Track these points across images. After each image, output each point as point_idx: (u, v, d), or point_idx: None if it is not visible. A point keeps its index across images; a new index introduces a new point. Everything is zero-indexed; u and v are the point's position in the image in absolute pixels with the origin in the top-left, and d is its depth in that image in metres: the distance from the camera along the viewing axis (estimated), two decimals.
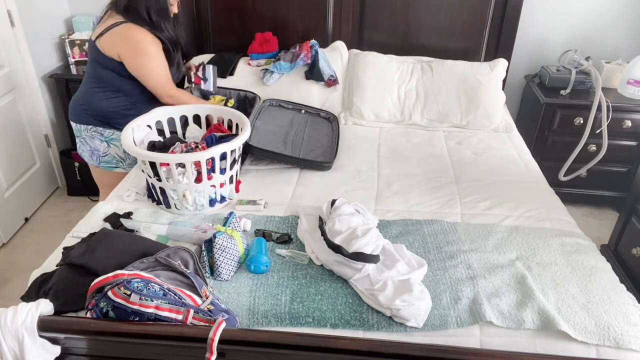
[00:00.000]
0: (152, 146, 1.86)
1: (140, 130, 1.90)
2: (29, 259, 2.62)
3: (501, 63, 2.68)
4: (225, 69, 2.73)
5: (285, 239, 1.69)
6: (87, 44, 2.94)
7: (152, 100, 2.13)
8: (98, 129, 2.12)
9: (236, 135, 1.86)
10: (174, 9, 2.09)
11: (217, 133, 1.94)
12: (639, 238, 2.27)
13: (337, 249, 1.49)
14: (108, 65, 2.04)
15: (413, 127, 2.65)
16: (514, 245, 1.67)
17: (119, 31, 1.97)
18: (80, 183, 3.08)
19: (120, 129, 2.07)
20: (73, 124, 2.16)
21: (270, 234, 1.70)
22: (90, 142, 2.15)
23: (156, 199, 1.85)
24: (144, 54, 1.99)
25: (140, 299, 1.17)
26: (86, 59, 3.01)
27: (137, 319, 1.17)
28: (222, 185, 1.84)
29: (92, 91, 2.09)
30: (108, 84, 2.08)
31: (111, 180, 2.19)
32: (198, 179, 1.75)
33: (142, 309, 1.17)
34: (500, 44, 2.87)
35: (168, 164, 1.72)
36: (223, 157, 1.77)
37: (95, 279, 1.25)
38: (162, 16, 2.01)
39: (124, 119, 2.05)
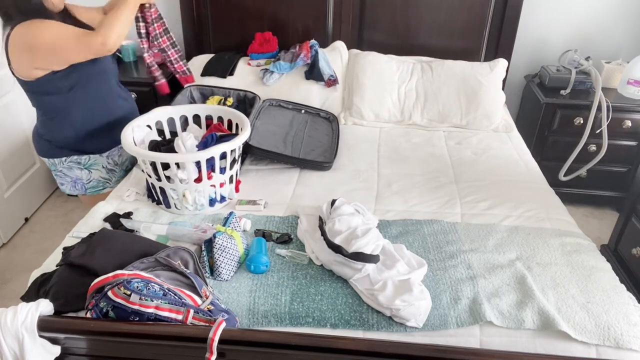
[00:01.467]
0: (156, 146, 1.85)
1: (140, 130, 1.90)
2: (29, 259, 2.62)
3: (501, 63, 2.68)
4: (225, 69, 2.74)
5: (285, 239, 1.69)
6: None
7: (107, 98, 1.92)
8: (74, 158, 1.94)
9: (236, 135, 1.86)
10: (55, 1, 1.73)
11: (217, 133, 1.94)
12: (639, 238, 2.27)
13: (337, 249, 1.49)
14: (35, 88, 1.77)
15: (413, 127, 2.65)
16: (514, 245, 1.67)
17: (10, 44, 1.67)
18: None
19: (95, 152, 1.98)
20: (45, 160, 1.98)
21: (270, 234, 1.70)
22: (70, 173, 1.99)
23: (156, 199, 1.86)
24: (38, 41, 1.65)
25: (140, 299, 1.17)
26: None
27: (137, 319, 1.17)
28: (222, 185, 1.84)
29: (47, 124, 1.88)
30: (53, 110, 1.85)
31: (103, 199, 2.01)
32: (198, 179, 1.75)
33: (142, 309, 1.17)
34: (500, 44, 2.87)
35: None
36: (223, 156, 1.77)
37: (95, 279, 1.25)
38: (41, 12, 1.68)
39: (93, 140, 1.93)
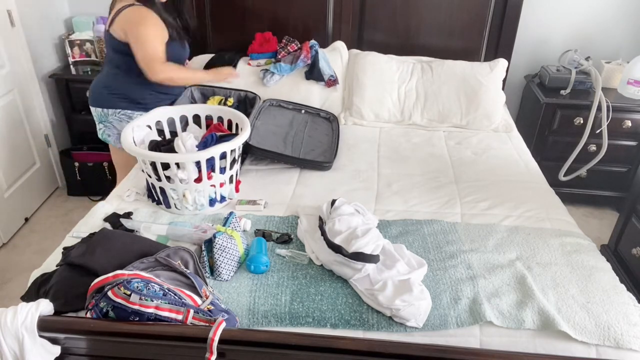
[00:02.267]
0: (156, 146, 1.85)
1: (140, 130, 1.90)
2: (29, 259, 2.62)
3: (501, 63, 2.68)
4: None
5: (285, 239, 1.69)
6: (87, 43, 2.96)
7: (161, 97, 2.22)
8: (127, 112, 2.17)
9: (236, 135, 1.86)
10: None
11: (217, 133, 1.94)
12: (639, 238, 2.27)
13: (337, 249, 1.49)
14: (122, 49, 2.07)
15: (413, 127, 2.65)
16: (514, 245, 1.67)
17: (127, 12, 2.02)
18: (80, 183, 3.08)
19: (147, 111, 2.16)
20: (97, 109, 2.19)
21: (270, 234, 1.70)
22: (118, 125, 2.18)
23: (156, 199, 1.86)
24: (142, 28, 2.01)
25: (140, 299, 1.17)
26: (86, 59, 3.04)
27: (137, 319, 1.17)
28: (222, 185, 1.84)
29: (114, 76, 2.15)
30: (126, 68, 2.12)
31: (130, 161, 2.22)
32: (198, 178, 1.75)
33: (142, 309, 1.17)
34: (500, 44, 2.87)
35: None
36: (223, 156, 1.77)
37: (95, 279, 1.25)
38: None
39: (150, 100, 2.17)
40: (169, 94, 2.27)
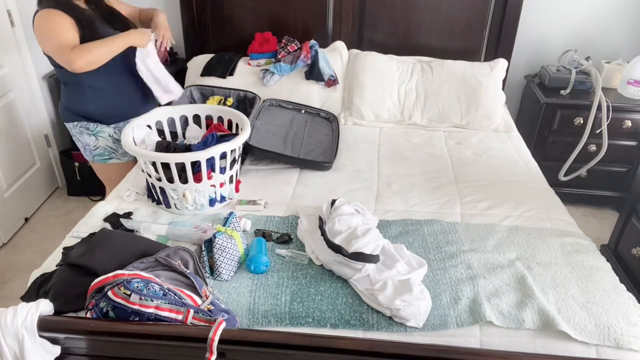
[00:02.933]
0: (166, 147, 1.85)
1: (140, 130, 1.90)
2: (29, 259, 2.62)
3: (501, 63, 2.68)
4: (225, 69, 2.73)
5: (285, 239, 1.69)
6: None
7: (115, 81, 2.04)
8: (83, 124, 2.08)
9: (236, 135, 1.86)
10: None
11: (217, 133, 1.94)
12: (639, 238, 2.26)
13: (337, 249, 1.49)
14: (54, 62, 1.95)
15: (413, 127, 2.65)
16: (514, 245, 1.67)
17: (33, 26, 1.87)
18: (80, 183, 3.08)
19: (103, 122, 2.10)
20: (65, 124, 2.15)
21: (270, 234, 1.70)
22: (81, 137, 2.13)
23: (156, 199, 1.86)
24: (43, 30, 1.84)
25: (140, 299, 1.17)
26: None
27: (137, 319, 1.17)
28: (222, 185, 1.84)
29: (64, 90, 2.08)
30: (67, 80, 2.03)
31: (111, 174, 2.19)
32: (198, 179, 1.75)
33: (142, 309, 1.17)
34: (500, 44, 2.87)
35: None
36: (223, 156, 1.77)
37: (95, 279, 1.25)
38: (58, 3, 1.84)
39: (99, 111, 2.06)
40: (126, 108, 2.10)
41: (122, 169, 2.17)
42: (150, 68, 2.05)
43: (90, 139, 2.12)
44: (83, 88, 2.01)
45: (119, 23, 2.06)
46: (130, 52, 1.99)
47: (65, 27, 1.84)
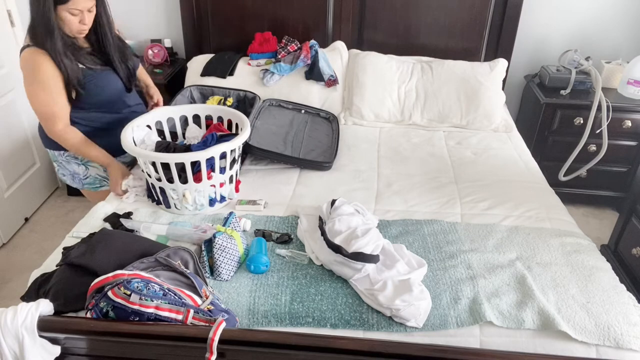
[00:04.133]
0: (166, 148, 1.84)
1: (140, 130, 1.90)
2: (29, 259, 2.62)
3: (501, 63, 2.68)
4: (225, 69, 2.74)
5: (285, 239, 1.69)
6: None
7: (107, 120, 1.97)
8: (71, 153, 1.98)
9: (236, 135, 1.86)
10: (74, 27, 1.74)
11: (217, 133, 1.94)
12: (639, 238, 2.26)
13: (337, 249, 1.49)
14: None
15: (413, 127, 2.65)
16: (514, 245, 1.67)
17: (20, 60, 1.76)
18: None
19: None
20: (48, 150, 2.03)
21: (270, 234, 1.70)
22: (68, 166, 2.03)
23: (156, 199, 1.86)
24: (31, 80, 1.74)
25: (140, 299, 1.17)
26: None
27: (137, 319, 1.17)
28: (222, 185, 1.84)
29: None
30: None
31: (102, 198, 2.04)
32: (197, 179, 1.75)
33: (142, 309, 1.17)
34: (500, 44, 2.88)
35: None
36: (223, 156, 1.77)
37: (95, 279, 1.25)
38: (48, 35, 1.69)
39: (90, 139, 1.92)
40: (116, 143, 1.86)
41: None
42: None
43: (79, 169, 2.03)
44: (72, 121, 1.89)
45: (129, 62, 1.97)
46: (122, 93, 1.97)
47: (54, 90, 1.74)
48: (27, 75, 1.75)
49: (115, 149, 1.93)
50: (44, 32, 1.69)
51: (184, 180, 1.75)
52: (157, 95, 2.20)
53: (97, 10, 1.79)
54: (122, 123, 1.92)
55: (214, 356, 1.11)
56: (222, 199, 1.88)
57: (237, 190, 1.96)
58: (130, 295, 1.17)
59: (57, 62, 1.72)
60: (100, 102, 1.91)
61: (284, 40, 2.82)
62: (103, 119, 1.96)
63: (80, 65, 1.81)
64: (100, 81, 1.87)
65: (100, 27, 1.84)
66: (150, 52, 2.96)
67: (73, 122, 1.89)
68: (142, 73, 2.17)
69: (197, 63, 2.82)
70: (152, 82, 2.23)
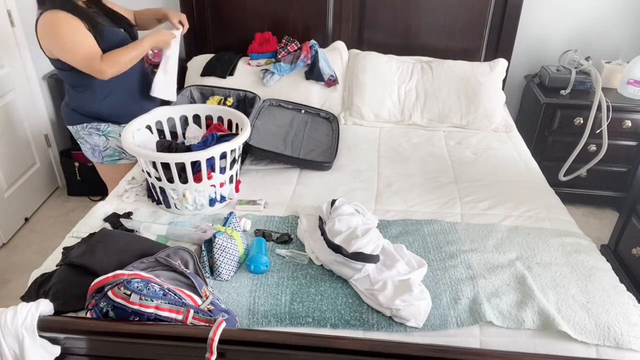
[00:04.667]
0: (167, 147, 1.85)
1: (141, 134, 1.90)
2: (29, 259, 2.62)
3: (501, 63, 2.68)
4: (225, 69, 2.74)
5: (285, 239, 1.69)
6: None
7: (126, 80, 2.06)
8: (94, 124, 2.08)
9: (236, 135, 1.86)
10: None
11: (217, 133, 1.94)
12: (639, 238, 2.26)
13: (337, 249, 1.49)
14: (59, 65, 1.95)
15: (413, 127, 2.65)
16: (514, 245, 1.67)
17: (39, 28, 1.85)
18: (80, 183, 3.08)
19: (114, 122, 2.10)
20: (70, 128, 2.13)
21: (270, 234, 1.70)
22: (89, 139, 2.12)
23: (156, 199, 1.86)
24: (57, 37, 1.84)
25: (140, 299, 1.17)
26: None
27: (137, 319, 1.17)
28: (222, 184, 1.84)
29: (71, 93, 2.06)
30: (77, 83, 2.01)
31: (119, 174, 2.16)
32: (197, 179, 1.75)
33: (142, 309, 1.17)
34: (500, 44, 2.87)
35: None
36: (223, 156, 1.77)
37: (95, 279, 1.25)
38: (65, 4, 1.83)
39: (111, 111, 2.06)
40: (134, 108, 2.08)
41: (129, 169, 2.17)
42: (169, 60, 2.10)
43: (100, 140, 2.12)
44: (94, 89, 2.01)
45: (124, 22, 2.07)
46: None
47: (82, 33, 1.85)
48: (52, 35, 1.84)
49: (121, 115, 2.08)
50: (64, 1, 1.82)
51: (184, 180, 1.75)
52: (174, 16, 2.17)
53: None
54: (132, 88, 2.09)
55: (214, 356, 1.11)
56: (222, 199, 1.88)
57: (237, 190, 1.96)
58: (130, 295, 1.17)
59: (74, 12, 1.84)
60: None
61: (284, 40, 2.82)
62: (112, 84, 2.02)
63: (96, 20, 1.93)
64: (111, 36, 1.97)
65: None
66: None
67: (85, 82, 1.98)
68: (141, 14, 2.25)
69: (197, 63, 2.82)
70: (155, 8, 2.28)
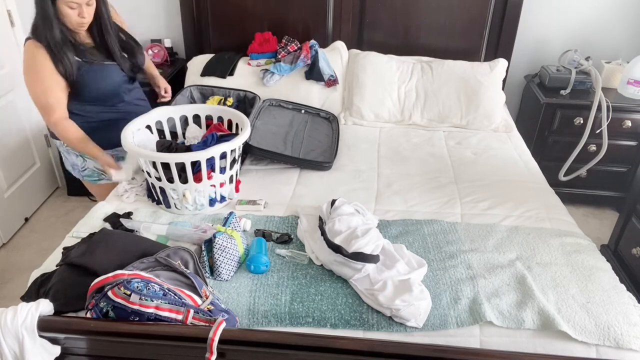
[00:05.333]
0: (167, 147, 1.84)
1: (141, 135, 1.90)
2: (29, 259, 2.62)
3: (501, 63, 2.68)
4: (225, 69, 2.74)
5: (285, 239, 1.69)
6: None
7: (109, 115, 1.99)
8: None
9: (236, 135, 1.86)
10: (74, 20, 1.77)
11: (217, 132, 1.94)
12: (639, 238, 2.26)
13: (337, 249, 1.49)
14: None
15: (413, 127, 2.65)
16: (514, 245, 1.67)
17: (23, 49, 1.81)
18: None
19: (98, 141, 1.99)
20: (52, 140, 2.10)
21: (270, 234, 1.70)
22: (68, 156, 2.08)
23: (156, 199, 1.86)
24: (28, 73, 1.80)
25: (140, 299, 1.17)
26: None
27: (137, 319, 1.17)
28: (222, 184, 1.84)
29: None
30: None
31: (103, 192, 2.09)
32: (198, 179, 1.75)
33: (142, 309, 1.17)
34: (500, 44, 2.87)
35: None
36: (223, 156, 1.77)
37: (95, 279, 1.25)
38: (46, 27, 1.74)
39: (90, 136, 1.93)
40: (114, 139, 1.88)
41: (112, 188, 2.06)
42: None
43: (77, 160, 2.07)
44: (74, 115, 1.93)
45: (131, 55, 2.00)
46: (120, 88, 1.98)
47: (50, 80, 1.78)
48: (26, 66, 1.80)
49: (110, 144, 1.98)
50: (42, 24, 1.75)
51: (184, 180, 1.75)
52: (163, 84, 2.23)
53: (96, 4, 1.83)
54: (117, 119, 1.96)
55: (214, 356, 1.11)
56: (222, 199, 1.88)
57: (237, 190, 1.96)
58: (130, 295, 1.17)
59: (52, 54, 1.77)
60: (96, 95, 1.93)
61: (284, 40, 2.82)
62: (99, 113, 1.98)
63: (77, 58, 1.84)
64: (97, 74, 1.89)
65: (101, 20, 1.88)
66: (150, 52, 2.96)
67: (71, 114, 1.92)
68: (149, 66, 2.21)
69: (197, 63, 2.82)
70: (158, 73, 2.26)
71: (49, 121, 1.87)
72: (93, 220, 1.75)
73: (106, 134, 1.97)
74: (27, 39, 1.80)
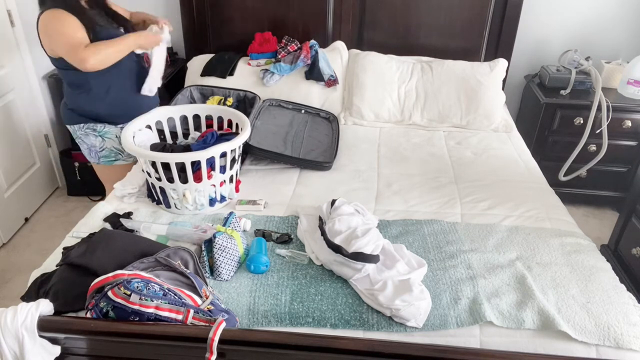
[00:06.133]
0: (162, 148, 1.85)
1: (142, 135, 1.90)
2: (29, 259, 2.62)
3: (501, 63, 2.68)
4: (225, 69, 2.74)
5: (285, 239, 1.69)
6: None
7: (123, 80, 2.06)
8: (90, 125, 2.09)
9: (236, 134, 1.86)
10: None
11: (218, 131, 1.94)
12: (639, 238, 2.26)
13: (337, 249, 1.49)
14: (59, 64, 1.98)
15: (413, 127, 2.65)
16: (514, 245, 1.67)
17: (39, 26, 1.89)
18: (80, 183, 3.08)
19: (111, 122, 2.10)
20: (68, 127, 2.15)
21: (270, 234, 1.70)
22: (86, 139, 2.13)
23: (156, 198, 1.86)
24: (51, 31, 1.87)
25: (140, 299, 1.17)
26: None
27: (137, 319, 1.17)
28: (222, 184, 1.84)
29: (69, 93, 2.07)
30: (75, 83, 2.02)
31: (115, 175, 2.16)
32: (197, 178, 1.75)
33: (142, 309, 1.17)
34: (500, 44, 2.88)
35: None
36: (223, 155, 1.77)
37: (95, 279, 1.25)
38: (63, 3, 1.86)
39: (108, 111, 2.06)
40: (131, 108, 2.07)
41: (125, 170, 2.17)
42: (157, 60, 2.09)
43: (96, 140, 2.12)
44: (90, 89, 2.01)
45: (122, 24, 2.07)
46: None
47: (75, 27, 1.86)
48: (47, 30, 1.87)
49: (118, 115, 2.08)
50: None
51: (184, 180, 1.75)
52: (157, 19, 2.20)
53: None
54: (131, 69, 2.07)
55: (214, 356, 1.11)
56: (222, 198, 1.88)
57: (237, 190, 1.96)
58: (130, 295, 1.17)
59: (75, 12, 1.86)
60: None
61: (284, 40, 2.82)
62: (110, 79, 2.03)
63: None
64: (110, 32, 1.97)
65: None
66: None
67: (83, 82, 2.00)
68: (135, 15, 2.25)
69: (197, 63, 2.82)
70: (146, 14, 2.27)
71: (82, 56, 1.84)
72: (93, 220, 1.75)
73: (129, 104, 2.09)
74: (41, 12, 1.87)
